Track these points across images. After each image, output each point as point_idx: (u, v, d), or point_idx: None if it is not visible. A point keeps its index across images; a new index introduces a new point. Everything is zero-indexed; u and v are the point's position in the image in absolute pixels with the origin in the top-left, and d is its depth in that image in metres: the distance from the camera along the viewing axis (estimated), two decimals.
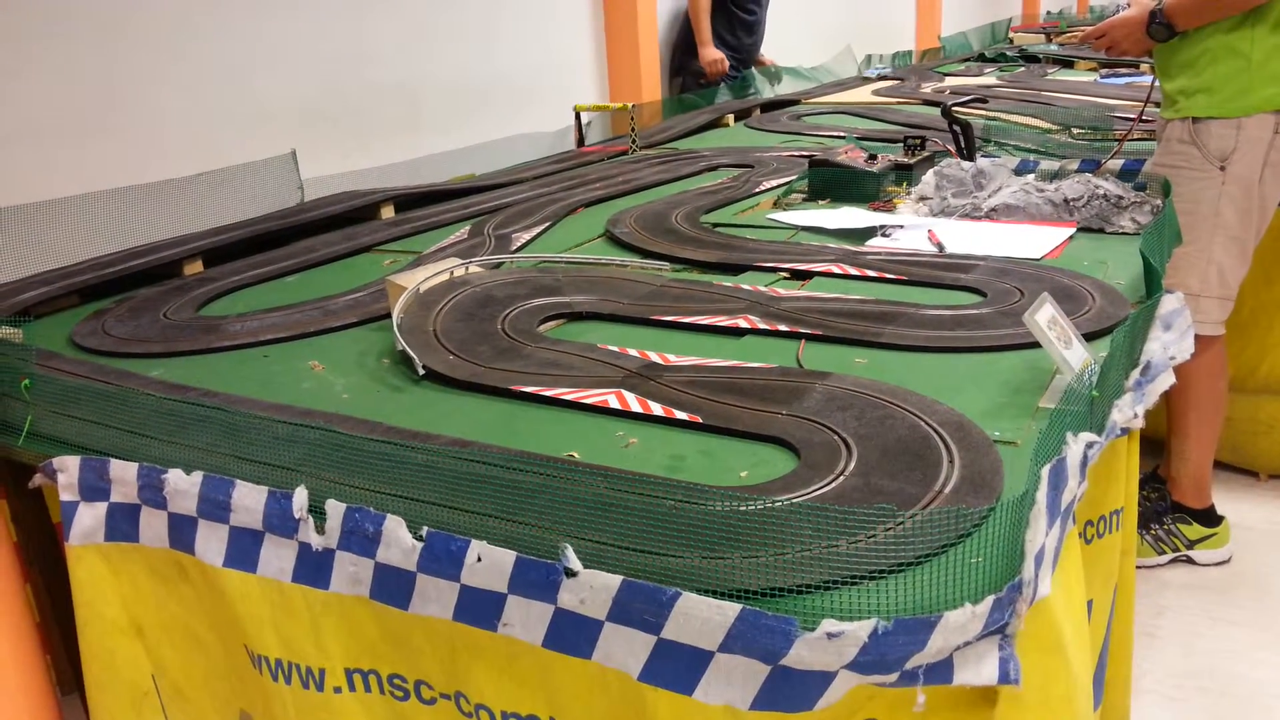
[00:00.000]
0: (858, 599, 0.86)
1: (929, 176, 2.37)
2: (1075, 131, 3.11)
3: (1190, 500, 2.54)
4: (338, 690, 1.13)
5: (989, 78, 4.86)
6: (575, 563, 0.92)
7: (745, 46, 4.96)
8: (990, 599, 0.83)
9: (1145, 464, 2.44)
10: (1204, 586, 2.50)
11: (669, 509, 0.99)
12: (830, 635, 0.81)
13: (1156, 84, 2.41)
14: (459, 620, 1.00)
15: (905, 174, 2.49)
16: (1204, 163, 2.23)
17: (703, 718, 0.89)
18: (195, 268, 2.18)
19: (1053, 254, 1.88)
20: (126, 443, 1.29)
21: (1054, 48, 5.86)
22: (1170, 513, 2.56)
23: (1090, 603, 1.28)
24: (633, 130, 3.48)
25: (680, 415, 1.26)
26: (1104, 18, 2.63)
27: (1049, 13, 11.45)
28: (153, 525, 1.21)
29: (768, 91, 4.79)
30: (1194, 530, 2.55)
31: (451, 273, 1.80)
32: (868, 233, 2.12)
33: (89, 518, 1.25)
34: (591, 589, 0.91)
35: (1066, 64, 5.19)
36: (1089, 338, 1.41)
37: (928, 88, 4.54)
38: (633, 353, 1.47)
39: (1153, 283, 1.52)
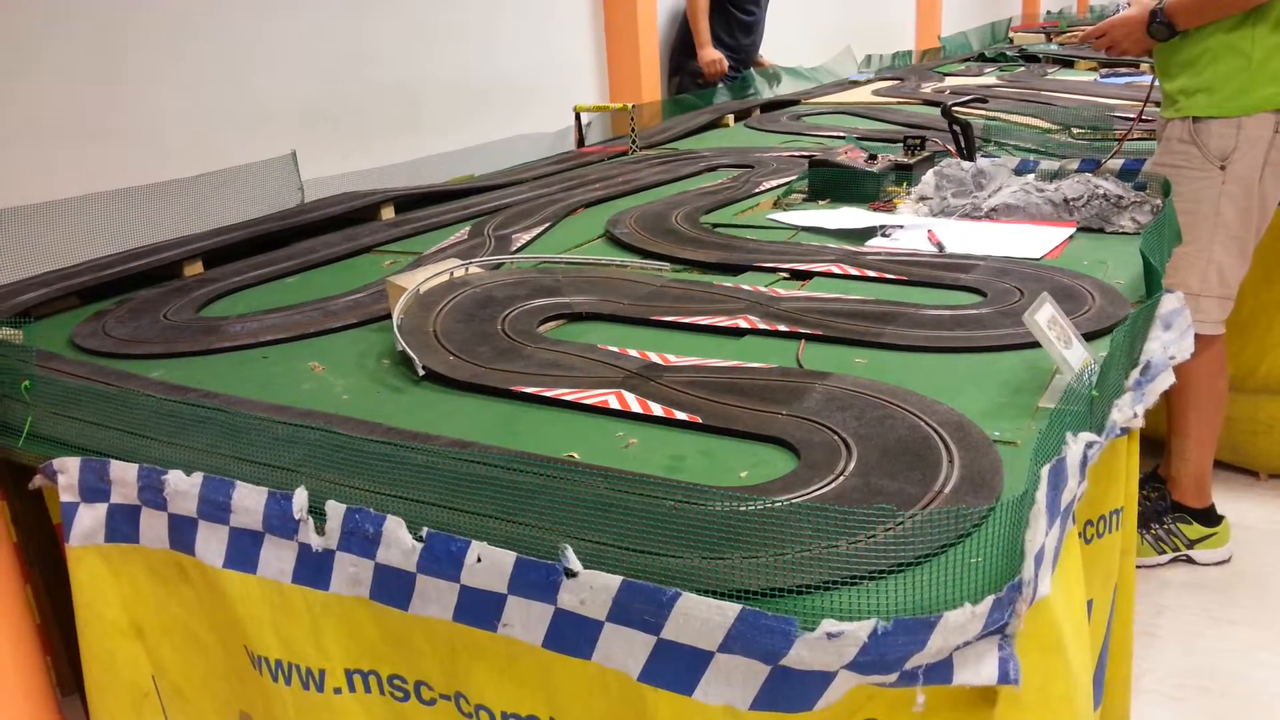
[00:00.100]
0: (857, 599, 0.86)
1: (929, 176, 2.37)
2: (1075, 131, 3.11)
3: (1190, 500, 2.54)
4: (338, 691, 1.13)
5: (989, 78, 4.86)
6: (575, 563, 0.92)
7: (744, 47, 4.95)
8: (990, 599, 0.83)
9: (1145, 463, 2.44)
10: (1204, 586, 2.50)
11: (669, 509, 0.99)
12: (830, 635, 0.81)
13: (1156, 83, 2.41)
14: (459, 621, 1.00)
15: (905, 174, 2.49)
16: (1204, 162, 2.23)
17: (703, 718, 0.89)
18: (195, 269, 2.19)
19: (1053, 254, 1.88)
20: (126, 444, 1.29)
21: (1054, 47, 5.86)
22: (1170, 512, 2.56)
23: (1090, 602, 1.28)
24: (633, 131, 3.48)
25: (680, 415, 1.26)
26: (1104, 17, 2.63)
27: (1049, 12, 11.45)
28: (153, 526, 1.21)
29: (766, 92, 4.79)
30: (1194, 530, 2.55)
31: (451, 273, 1.80)
32: (868, 233, 2.12)
33: (89, 519, 1.25)
34: (591, 589, 0.91)
35: (1066, 64, 5.19)
36: (1089, 337, 1.41)
37: (928, 88, 4.54)
38: (633, 353, 1.47)
39: (1153, 282, 1.52)
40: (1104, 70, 4.74)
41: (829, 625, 0.81)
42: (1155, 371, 1.34)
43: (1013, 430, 1.18)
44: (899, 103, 4.14)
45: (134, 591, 1.28)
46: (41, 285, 2.01)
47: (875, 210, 2.31)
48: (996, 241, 1.97)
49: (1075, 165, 2.38)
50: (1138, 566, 2.50)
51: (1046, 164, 2.43)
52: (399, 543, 1.01)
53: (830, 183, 2.47)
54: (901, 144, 2.64)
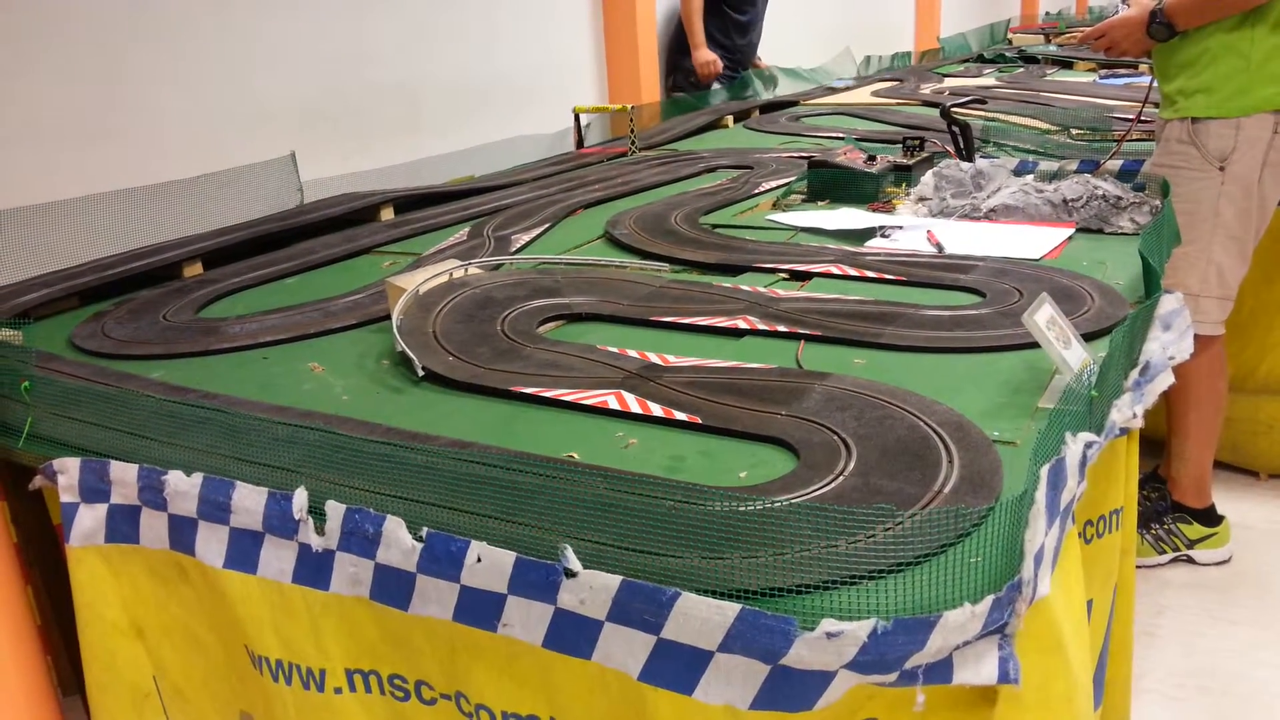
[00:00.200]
0: (857, 599, 0.86)
1: (928, 177, 2.37)
2: (1074, 132, 3.12)
3: (1190, 500, 2.54)
4: (338, 691, 1.13)
5: (988, 79, 4.86)
6: (575, 563, 0.92)
7: (739, 48, 4.93)
8: (989, 598, 0.83)
9: (1145, 464, 2.44)
10: (1204, 586, 2.50)
11: (669, 509, 0.99)
12: (830, 635, 0.81)
13: (1155, 84, 2.41)
14: (459, 621, 1.00)
15: (904, 175, 2.49)
16: (1203, 163, 2.23)
17: (703, 717, 0.89)
18: (195, 270, 2.19)
19: (1052, 254, 1.88)
20: (126, 444, 1.29)
21: (1053, 48, 5.86)
22: (1170, 512, 2.56)
23: (1090, 602, 1.28)
24: (632, 132, 3.48)
25: (680, 416, 1.26)
26: (1103, 18, 2.63)
27: (1048, 13, 11.46)
28: (153, 527, 1.22)
29: (763, 94, 4.79)
30: (1194, 530, 2.55)
31: (451, 274, 1.80)
32: (867, 233, 2.12)
33: (89, 519, 1.25)
34: (591, 589, 0.91)
35: (1065, 65, 5.20)
36: (1088, 338, 1.41)
37: (927, 89, 4.55)
38: (632, 354, 1.47)
39: (1152, 283, 1.52)
40: (1103, 71, 4.75)
41: (829, 625, 0.81)
42: (1154, 372, 1.34)
43: (1012, 430, 1.18)
44: (898, 104, 4.14)
45: (134, 592, 1.28)
46: (41, 286, 2.01)
47: (874, 211, 2.32)
48: (995, 242, 1.98)
49: (1074, 166, 2.38)
50: (1138, 567, 2.50)
51: (1045, 165, 2.44)
52: (399, 543, 1.01)
53: (829, 183, 2.47)
54: (900, 145, 2.64)
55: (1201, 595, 2.46)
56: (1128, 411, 1.22)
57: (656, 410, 1.28)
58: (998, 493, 1.03)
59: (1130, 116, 3.01)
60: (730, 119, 4.05)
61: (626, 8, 4.58)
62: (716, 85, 4.74)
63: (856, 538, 0.93)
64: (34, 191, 2.22)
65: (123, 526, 1.24)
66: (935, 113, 3.09)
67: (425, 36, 3.67)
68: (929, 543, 0.93)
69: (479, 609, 0.98)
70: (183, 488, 1.16)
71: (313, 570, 1.09)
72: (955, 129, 2.56)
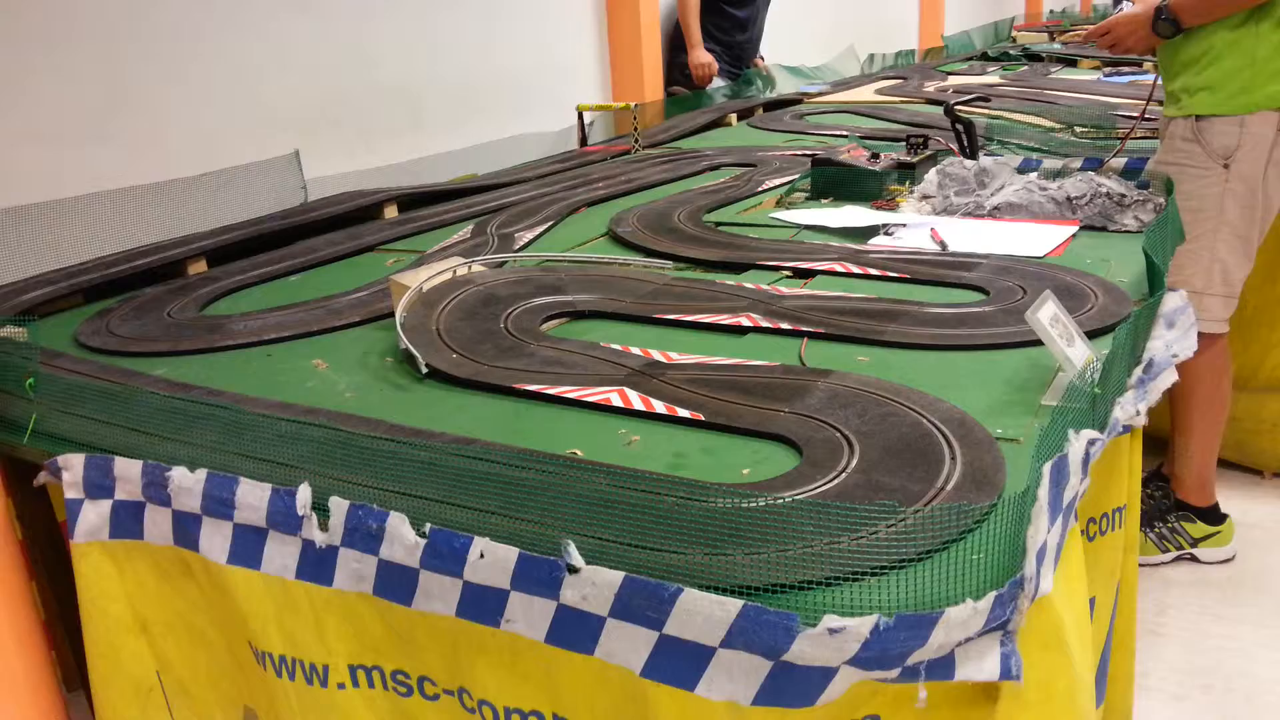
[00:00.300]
0: (859, 595, 0.86)
1: (932, 175, 2.37)
2: (1078, 130, 3.11)
3: (1194, 498, 2.54)
4: (341, 686, 1.14)
5: (992, 76, 4.86)
6: (578, 559, 0.92)
7: (738, 44, 4.89)
8: (992, 595, 0.83)
9: (1149, 462, 2.44)
10: (1208, 584, 2.49)
11: (671, 506, 1.00)
12: (832, 631, 0.81)
13: (1159, 82, 2.41)
14: (462, 616, 1.00)
15: (908, 173, 2.49)
16: (1207, 160, 2.22)
17: (705, 713, 0.89)
18: (199, 267, 2.19)
19: (1055, 252, 1.88)
20: (131, 441, 1.29)
21: (1057, 46, 5.86)
22: (1174, 511, 2.56)
23: (1093, 600, 1.28)
24: (635, 130, 3.48)
25: (683, 413, 1.26)
26: (1106, 16, 2.63)
27: (1052, 11, 11.45)
28: (157, 522, 1.22)
29: (766, 93, 4.78)
30: (1198, 528, 2.54)
31: (454, 272, 1.81)
32: (870, 231, 2.12)
33: (93, 515, 1.25)
34: (594, 585, 0.91)
35: (1069, 63, 5.19)
36: (1091, 335, 1.41)
37: (930, 86, 4.54)
38: (635, 351, 1.47)
39: (1155, 281, 1.52)
40: (1107, 69, 4.74)
41: (831, 621, 0.81)
42: (1158, 369, 1.34)
43: (1015, 427, 1.18)
44: (902, 102, 4.14)
45: (138, 587, 1.28)
46: (46, 283, 2.02)
47: (878, 209, 2.32)
48: (999, 240, 1.97)
49: (1078, 164, 2.38)
50: (1141, 565, 2.50)
51: (1049, 163, 2.43)
52: (402, 539, 1.01)
53: (833, 181, 2.47)
54: (904, 143, 2.64)
55: (1205, 594, 2.46)
56: (1131, 409, 1.22)
57: (659, 407, 1.28)
58: (1000, 490, 1.03)
59: (1134, 114, 3.01)
60: (734, 117, 4.05)
61: (630, 6, 4.57)
62: (718, 83, 4.72)
63: (859, 534, 0.93)
64: (39, 192, 2.22)
65: (127, 522, 1.24)
66: (939, 111, 3.09)
67: (428, 37, 3.68)
68: (931, 539, 0.93)
69: (482, 605, 0.98)
70: (187, 484, 1.16)
71: (316, 566, 1.10)
72: (959, 127, 2.56)
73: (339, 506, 1.05)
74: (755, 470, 1.13)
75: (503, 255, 2.05)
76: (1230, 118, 2.19)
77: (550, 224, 2.37)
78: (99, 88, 2.60)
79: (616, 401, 1.31)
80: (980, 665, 0.85)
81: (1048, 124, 3.27)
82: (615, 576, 0.90)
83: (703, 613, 0.86)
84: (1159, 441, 2.57)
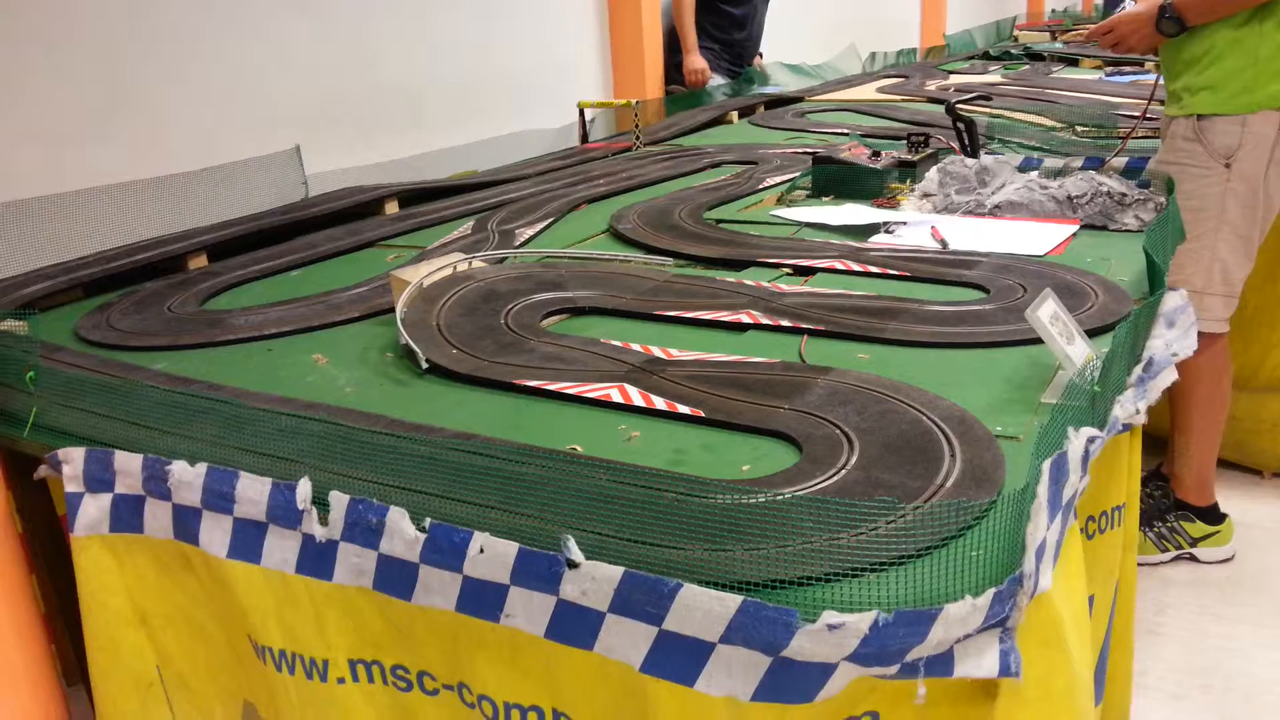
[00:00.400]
0: (859, 591, 0.86)
1: (933, 173, 2.37)
2: (1079, 129, 3.11)
3: (1193, 498, 2.54)
4: (341, 681, 1.14)
5: (994, 75, 4.86)
6: (577, 554, 0.92)
7: (736, 43, 4.86)
8: (991, 592, 0.83)
9: (1148, 461, 2.44)
10: (1207, 584, 2.50)
11: (671, 502, 1.00)
12: (831, 627, 0.81)
13: (1160, 82, 2.40)
14: (462, 611, 1.00)
15: (909, 171, 2.49)
16: (1209, 160, 2.22)
17: (704, 709, 0.90)
18: (200, 262, 2.19)
19: (1056, 251, 1.88)
20: (131, 434, 1.29)
21: (1059, 45, 5.85)
22: (1173, 510, 2.56)
23: (1091, 598, 1.28)
24: (636, 127, 3.48)
25: (683, 409, 1.26)
26: (1107, 16, 2.63)
27: (1054, 10, 11.44)
28: (157, 516, 1.22)
29: (767, 90, 4.78)
30: (1197, 528, 2.55)
31: (455, 268, 1.81)
32: (871, 229, 2.12)
33: (94, 509, 1.25)
34: (593, 580, 0.91)
35: (1071, 62, 5.19)
36: (1091, 334, 1.41)
37: (932, 85, 4.54)
38: (636, 347, 1.47)
39: (1156, 280, 1.52)
40: (1109, 68, 4.74)
41: (830, 617, 0.81)
42: (1158, 368, 1.34)
43: (1015, 425, 1.18)
44: (903, 100, 4.14)
45: (138, 581, 1.28)
46: (46, 278, 2.01)
47: (879, 207, 2.31)
48: (1000, 238, 1.97)
49: (1079, 163, 2.38)
50: (1140, 564, 2.50)
51: (1050, 161, 2.43)
52: (402, 533, 1.01)
53: (834, 179, 2.47)
54: (905, 141, 2.64)
55: (1204, 593, 2.46)
56: (1130, 407, 1.23)
57: (660, 404, 1.28)
58: (1000, 487, 1.03)
59: (1135, 114, 3.01)
60: (735, 114, 4.04)
61: (632, 3, 4.57)
62: (718, 81, 4.72)
63: (859, 530, 0.93)
64: (39, 191, 2.22)
65: (127, 516, 1.24)
66: (940, 109, 3.09)
67: (430, 35, 3.68)
68: (931, 536, 0.93)
69: (481, 600, 0.99)
70: (187, 478, 1.16)
71: (316, 560, 1.10)
72: (960, 125, 2.56)
73: (339, 501, 1.05)
74: (755, 467, 1.13)
75: (503, 251, 2.05)
76: (1232, 117, 2.19)
77: (551, 221, 2.37)
78: (99, 87, 2.60)
79: (617, 398, 1.31)
80: (979, 662, 0.85)
81: (1049, 123, 3.27)
82: (615, 572, 0.90)
83: (702, 608, 0.86)
84: (1159, 441, 2.57)
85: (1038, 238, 1.95)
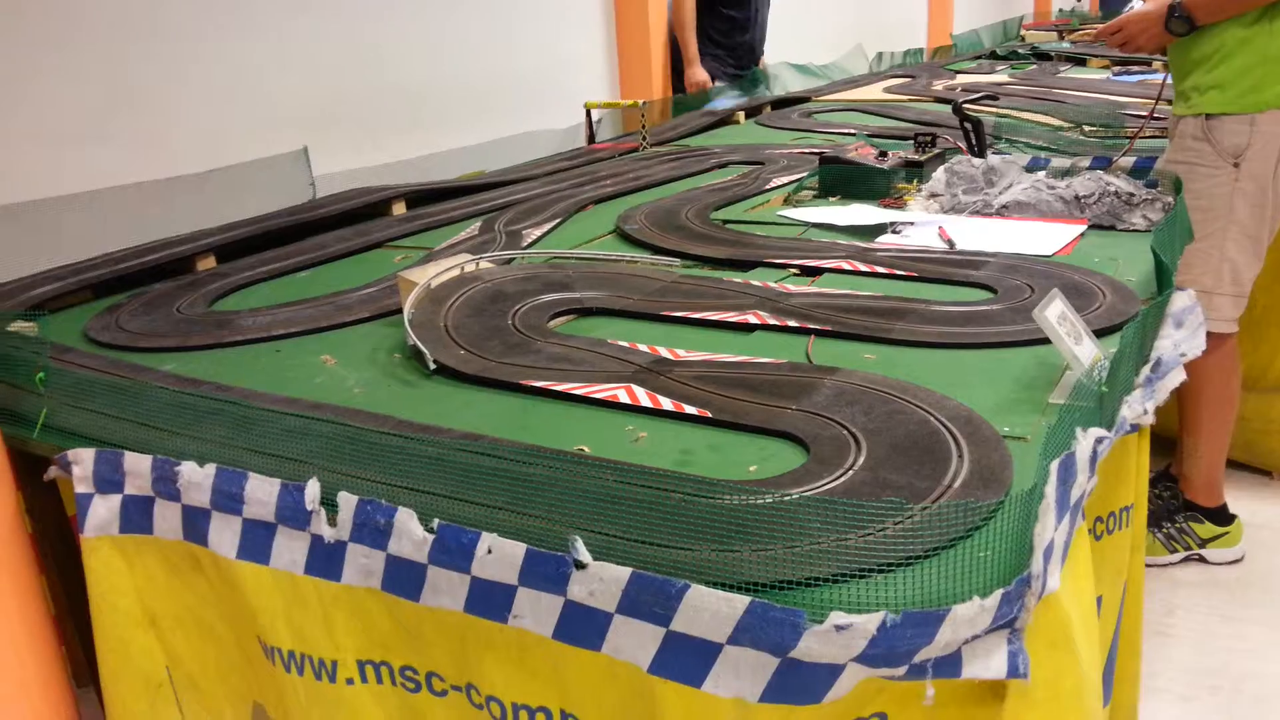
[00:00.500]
0: (866, 592, 0.86)
1: (940, 173, 2.36)
2: (1087, 129, 3.10)
3: (1202, 499, 2.53)
4: (350, 682, 1.14)
5: (1001, 75, 4.84)
6: (585, 555, 0.92)
7: (739, 45, 4.83)
8: (999, 593, 0.83)
9: (1157, 462, 2.43)
10: (1216, 585, 2.49)
11: (678, 502, 1.00)
12: (838, 628, 0.81)
13: (1168, 81, 2.40)
14: (470, 612, 1.00)
15: (916, 171, 2.48)
16: (1217, 159, 2.22)
17: (712, 710, 0.90)
18: (208, 263, 2.20)
19: (1063, 251, 1.88)
20: (140, 435, 1.30)
21: (1066, 45, 5.84)
22: (1182, 511, 2.55)
23: (1099, 599, 1.28)
24: (643, 127, 3.48)
25: (690, 410, 1.26)
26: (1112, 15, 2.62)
27: (1061, 10, 11.41)
28: (166, 517, 1.22)
29: (773, 91, 4.77)
30: (1206, 529, 2.54)
31: (462, 268, 1.81)
32: (878, 229, 2.12)
33: (103, 510, 1.26)
34: (601, 581, 0.91)
35: (1079, 61, 5.17)
36: (1099, 334, 1.41)
37: (939, 85, 4.53)
38: (643, 348, 1.48)
39: (1164, 280, 1.52)
40: (1116, 68, 4.73)
41: (837, 618, 0.81)
42: (1166, 369, 1.34)
43: (1022, 426, 1.18)
44: (910, 100, 4.13)
45: (148, 582, 1.29)
46: (56, 279, 2.02)
47: (886, 207, 2.31)
48: (1007, 238, 1.97)
49: (1087, 163, 2.37)
50: (1149, 565, 2.49)
51: (1058, 161, 2.43)
52: (410, 534, 1.01)
53: (841, 179, 2.46)
54: (912, 141, 2.63)
55: (1213, 595, 2.45)
56: (1139, 408, 1.22)
57: (667, 404, 1.28)
58: (1007, 487, 1.03)
59: (1143, 113, 3.00)
60: (742, 115, 4.04)
61: (639, 4, 4.57)
62: (721, 84, 4.71)
63: (866, 531, 0.93)
64: (42, 192, 2.23)
65: (136, 517, 1.25)
66: (947, 109, 3.08)
67: (437, 36, 3.68)
68: (938, 537, 0.93)
69: (489, 600, 0.99)
70: (196, 479, 1.17)
71: (325, 561, 1.10)
72: (967, 125, 2.55)
73: (347, 502, 1.05)
74: (762, 467, 1.13)
75: (510, 252, 2.06)
76: (1240, 116, 2.18)
77: (558, 221, 2.37)
78: (103, 87, 2.61)
79: (624, 398, 1.31)
80: (987, 663, 0.85)
81: (1056, 123, 3.26)
82: (622, 572, 0.90)
83: (710, 609, 0.86)
84: (1167, 442, 2.56)
85: (1045, 238, 1.95)
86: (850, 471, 1.08)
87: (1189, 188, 2.14)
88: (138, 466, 1.22)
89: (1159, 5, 2.24)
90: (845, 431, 1.17)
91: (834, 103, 4.27)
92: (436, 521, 1.00)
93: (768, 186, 2.62)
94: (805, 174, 2.64)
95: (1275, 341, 2.78)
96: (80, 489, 1.26)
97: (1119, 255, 1.82)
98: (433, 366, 1.46)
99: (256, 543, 1.14)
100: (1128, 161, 2.32)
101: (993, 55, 5.87)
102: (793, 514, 0.96)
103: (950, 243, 1.96)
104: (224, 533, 1.16)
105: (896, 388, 1.28)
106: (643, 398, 1.30)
